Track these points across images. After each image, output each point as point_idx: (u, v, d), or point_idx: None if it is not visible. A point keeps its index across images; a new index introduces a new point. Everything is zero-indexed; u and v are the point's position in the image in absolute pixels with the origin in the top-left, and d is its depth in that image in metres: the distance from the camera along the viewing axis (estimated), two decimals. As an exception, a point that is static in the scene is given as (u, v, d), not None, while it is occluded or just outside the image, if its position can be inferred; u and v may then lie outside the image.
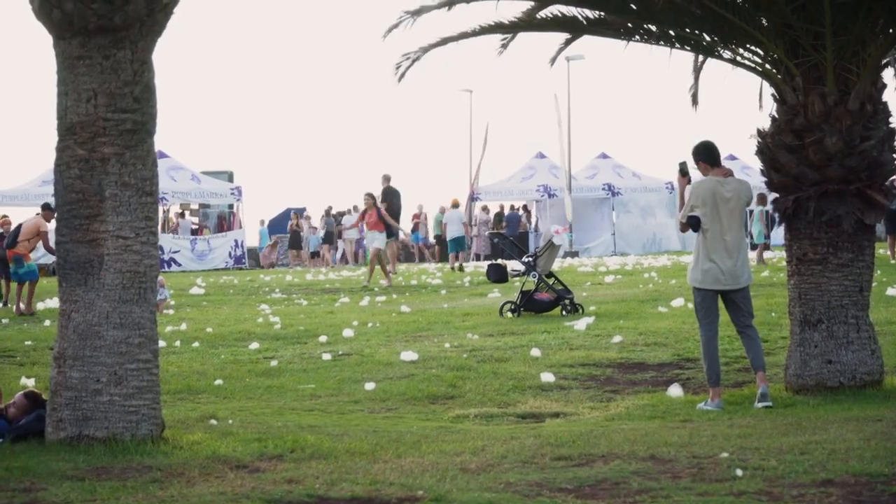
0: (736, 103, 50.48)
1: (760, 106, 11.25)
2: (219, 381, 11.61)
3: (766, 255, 28.74)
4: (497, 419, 9.69)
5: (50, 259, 23.92)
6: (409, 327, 16.26)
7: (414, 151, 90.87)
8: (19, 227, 20.69)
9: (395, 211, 30.30)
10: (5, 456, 7.14)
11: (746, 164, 42.41)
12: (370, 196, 25.05)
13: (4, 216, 22.32)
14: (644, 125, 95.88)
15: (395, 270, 31.16)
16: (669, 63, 10.70)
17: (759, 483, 6.03)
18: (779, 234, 35.42)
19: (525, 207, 47.72)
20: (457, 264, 31.98)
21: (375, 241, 24.55)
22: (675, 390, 10.24)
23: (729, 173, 9.91)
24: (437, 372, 11.95)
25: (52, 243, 20.51)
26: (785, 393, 9.90)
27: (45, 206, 21.26)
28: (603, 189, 44.14)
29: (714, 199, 9.48)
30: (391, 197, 30.08)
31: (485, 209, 45.56)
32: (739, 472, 6.24)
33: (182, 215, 42.86)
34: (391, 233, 25.13)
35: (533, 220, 47.13)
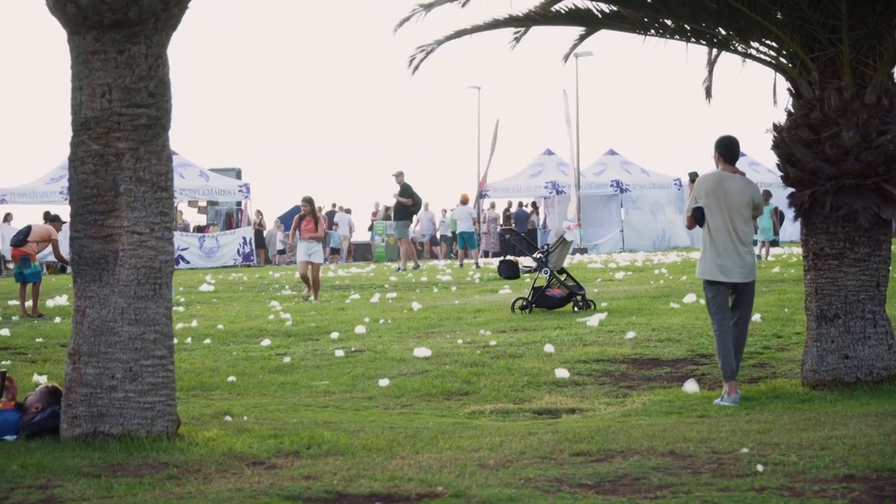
0: (747, 99, 50.43)
1: (775, 101, 11.21)
2: (232, 378, 11.59)
3: (775, 250, 28.71)
4: (513, 415, 9.65)
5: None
6: (420, 324, 16.23)
7: (422, 148, 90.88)
8: (29, 227, 20.64)
9: (418, 206, 30.72)
10: (20, 453, 7.11)
11: (754, 161, 42.42)
12: (308, 202, 22.37)
13: None
14: (653, 122, 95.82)
15: (418, 265, 31.21)
16: (686, 58, 10.69)
17: (780, 478, 5.99)
18: (791, 230, 35.51)
19: (534, 204, 47.71)
20: (469, 261, 31.95)
21: (315, 254, 21.70)
22: (690, 386, 10.21)
23: (738, 173, 9.93)
24: (451, 368, 11.91)
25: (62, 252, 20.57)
26: (801, 388, 9.86)
27: (55, 218, 21.19)
28: (611, 186, 44.08)
29: (716, 191, 9.60)
30: (412, 193, 30.35)
31: (493, 206, 45.59)
32: (760, 468, 6.20)
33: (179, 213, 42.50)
34: (324, 243, 22.13)
35: (541, 216, 47.11)
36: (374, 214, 47.33)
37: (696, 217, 9.62)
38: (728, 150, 9.76)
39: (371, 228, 47.30)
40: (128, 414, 7.52)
